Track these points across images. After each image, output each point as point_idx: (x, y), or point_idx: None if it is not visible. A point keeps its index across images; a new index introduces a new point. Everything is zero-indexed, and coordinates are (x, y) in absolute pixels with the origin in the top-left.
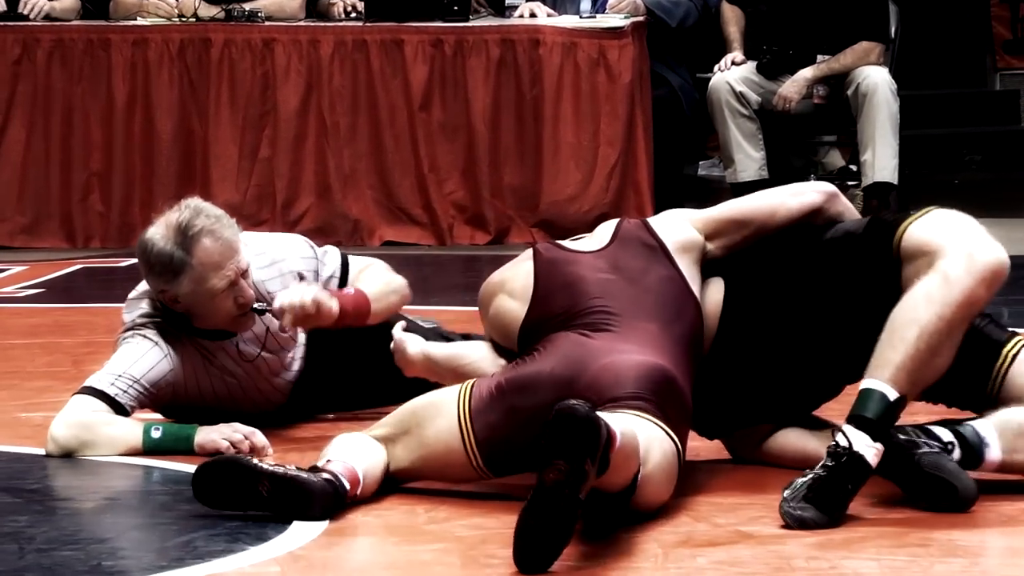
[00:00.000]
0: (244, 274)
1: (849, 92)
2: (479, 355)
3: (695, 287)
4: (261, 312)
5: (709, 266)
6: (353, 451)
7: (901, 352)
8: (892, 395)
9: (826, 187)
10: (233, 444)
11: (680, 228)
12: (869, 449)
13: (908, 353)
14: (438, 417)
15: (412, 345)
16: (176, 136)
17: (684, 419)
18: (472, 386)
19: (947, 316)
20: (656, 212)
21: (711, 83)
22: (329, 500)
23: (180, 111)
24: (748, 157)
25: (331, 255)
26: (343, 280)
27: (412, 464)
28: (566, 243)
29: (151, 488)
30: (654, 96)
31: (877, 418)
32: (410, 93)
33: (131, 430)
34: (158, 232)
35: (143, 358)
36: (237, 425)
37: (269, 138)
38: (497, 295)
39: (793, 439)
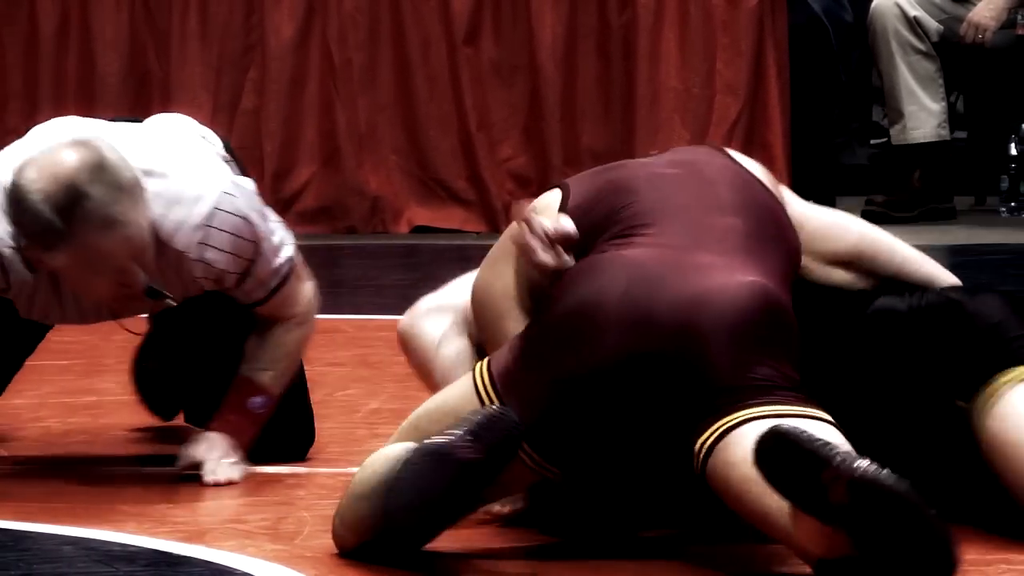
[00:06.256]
0: (140, 255)
1: None
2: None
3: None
4: (156, 297)
5: None
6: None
7: None
8: None
9: None
10: None
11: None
12: None
13: None
14: (451, 419)
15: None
16: (125, 79)
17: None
18: (489, 362)
19: None
20: (795, 186)
21: (873, 4)
22: None
23: (131, 44)
24: (923, 109)
25: (270, 279)
26: (254, 305)
27: None
28: None
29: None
30: (790, 24)
31: None
32: (451, 20)
33: None
34: (36, 178)
35: None
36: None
37: (254, 82)
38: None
39: None
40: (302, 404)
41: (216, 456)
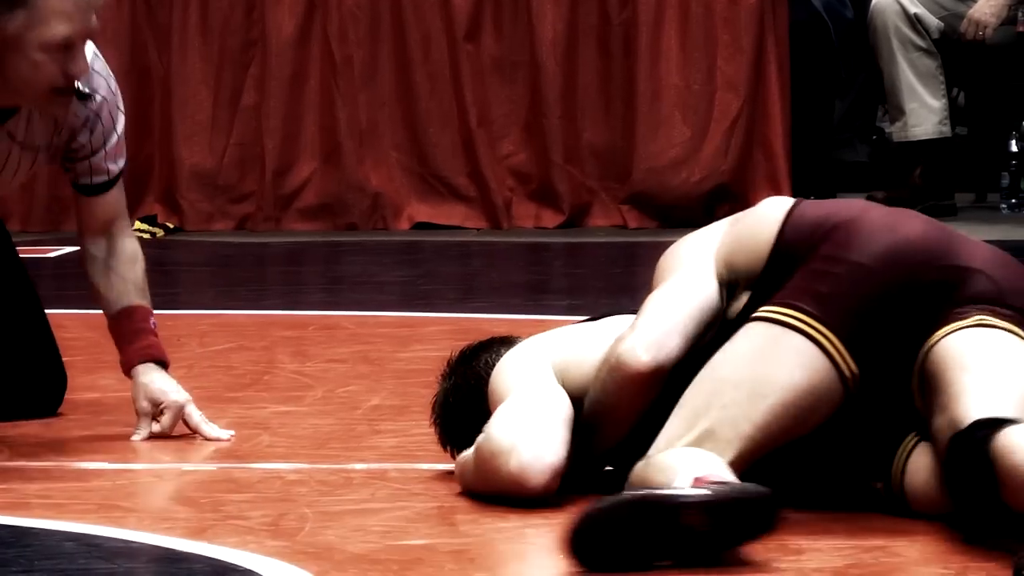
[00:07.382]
0: (86, 39)
1: None
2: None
3: None
4: (84, 97)
5: None
6: (701, 460)
7: None
8: None
9: None
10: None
11: None
12: None
13: None
14: (776, 361)
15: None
16: (126, 74)
17: None
18: (785, 300)
19: None
20: (795, 182)
21: (874, 1)
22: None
23: (131, 39)
24: (924, 106)
25: (120, 156)
26: (95, 188)
27: (759, 437)
28: None
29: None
30: (791, 21)
31: None
32: (452, 16)
33: None
34: None
35: None
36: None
37: (255, 78)
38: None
39: None
40: (51, 353)
41: (188, 400)
